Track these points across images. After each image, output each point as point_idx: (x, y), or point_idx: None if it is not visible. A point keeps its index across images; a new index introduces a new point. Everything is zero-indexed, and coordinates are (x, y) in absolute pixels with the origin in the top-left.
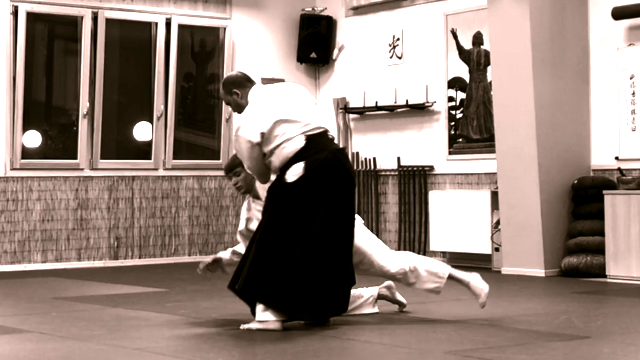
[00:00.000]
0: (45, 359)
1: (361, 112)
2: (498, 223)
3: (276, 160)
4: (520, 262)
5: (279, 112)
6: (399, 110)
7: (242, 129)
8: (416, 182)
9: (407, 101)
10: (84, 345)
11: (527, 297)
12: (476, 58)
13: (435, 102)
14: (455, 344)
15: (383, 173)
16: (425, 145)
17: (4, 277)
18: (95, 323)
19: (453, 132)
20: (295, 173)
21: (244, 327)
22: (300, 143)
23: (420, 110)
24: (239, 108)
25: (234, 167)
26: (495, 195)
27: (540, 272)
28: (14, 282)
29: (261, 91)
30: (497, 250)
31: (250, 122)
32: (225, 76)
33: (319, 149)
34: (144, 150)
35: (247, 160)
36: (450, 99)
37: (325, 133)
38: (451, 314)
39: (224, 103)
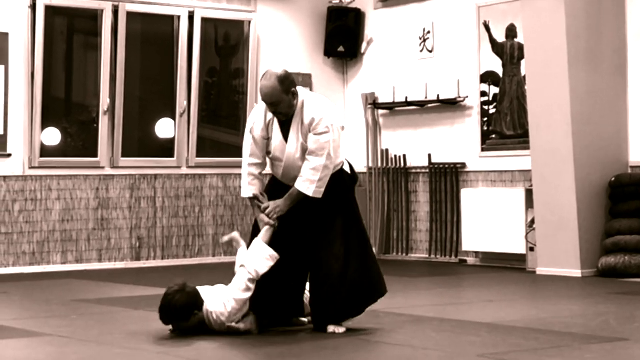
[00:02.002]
0: None
1: (390, 107)
2: (532, 222)
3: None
4: (555, 262)
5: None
6: (430, 105)
7: (338, 121)
8: (448, 179)
9: (438, 96)
10: (105, 348)
11: (562, 298)
12: (509, 51)
13: (467, 97)
14: (488, 346)
15: (413, 170)
16: (457, 141)
17: (22, 278)
18: (116, 326)
19: (486, 128)
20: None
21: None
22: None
23: (451, 106)
24: (290, 109)
25: None
26: (529, 193)
27: (577, 272)
28: (33, 283)
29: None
30: (531, 249)
31: (338, 116)
32: (273, 72)
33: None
34: (166, 148)
35: (338, 152)
36: (483, 94)
37: None
38: (483, 315)
39: (248, 98)
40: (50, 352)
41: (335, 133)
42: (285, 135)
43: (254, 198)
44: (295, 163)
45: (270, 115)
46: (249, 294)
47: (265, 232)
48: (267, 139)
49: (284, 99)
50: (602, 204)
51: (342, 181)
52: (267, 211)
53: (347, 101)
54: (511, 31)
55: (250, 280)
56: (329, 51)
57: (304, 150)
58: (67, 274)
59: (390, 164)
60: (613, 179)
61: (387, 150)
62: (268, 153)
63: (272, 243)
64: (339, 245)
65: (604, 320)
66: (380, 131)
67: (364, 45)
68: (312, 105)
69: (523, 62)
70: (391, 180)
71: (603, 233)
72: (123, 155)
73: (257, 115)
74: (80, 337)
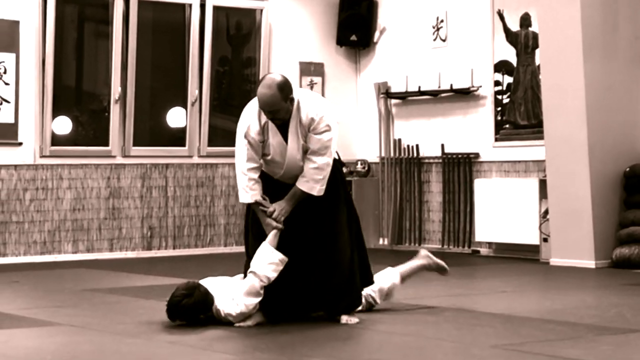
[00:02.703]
0: (76, 352)
1: (403, 96)
2: (546, 212)
3: None
4: (569, 252)
5: None
6: (443, 95)
7: (334, 117)
8: (461, 169)
9: (451, 85)
10: (116, 338)
11: (576, 289)
12: (523, 40)
13: (480, 87)
14: (501, 337)
15: (426, 160)
16: (470, 131)
17: (33, 267)
18: (127, 315)
19: (499, 118)
20: None
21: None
22: None
23: (465, 95)
24: (287, 114)
25: None
26: (543, 183)
27: (590, 263)
28: (44, 273)
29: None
30: (545, 240)
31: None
32: (272, 80)
33: None
34: (177, 137)
35: (333, 150)
36: (497, 83)
37: None
38: (497, 306)
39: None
40: (61, 342)
41: (334, 130)
42: (285, 136)
43: (257, 203)
44: (296, 164)
45: (264, 117)
46: (259, 299)
47: (273, 236)
48: (263, 142)
49: (283, 106)
50: (617, 195)
51: (338, 172)
52: (274, 215)
53: (360, 90)
54: (525, 20)
55: (262, 287)
56: (341, 40)
57: (305, 150)
58: (78, 263)
59: (402, 154)
60: (628, 169)
61: (399, 140)
62: (264, 155)
63: (278, 244)
64: (346, 236)
65: (618, 311)
66: (392, 121)
67: (377, 34)
68: (308, 105)
69: (537, 51)
70: (404, 170)
71: (617, 224)
72: (134, 145)
73: (251, 119)
74: (92, 327)
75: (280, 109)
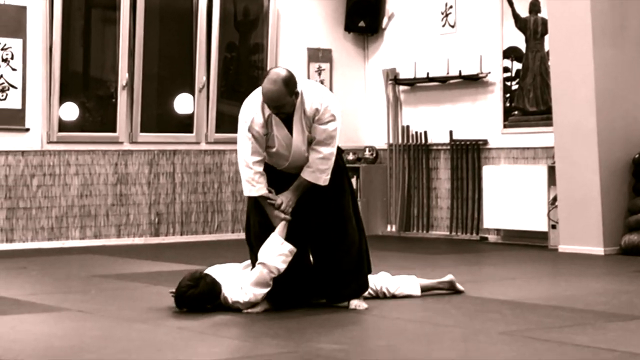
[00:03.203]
0: (84, 337)
1: (411, 83)
2: (555, 199)
3: None
4: (577, 239)
5: None
6: (451, 81)
7: (338, 106)
8: (469, 156)
9: (460, 72)
10: (125, 324)
11: (584, 276)
12: (533, 26)
13: (489, 73)
14: (509, 324)
15: (434, 147)
16: (479, 118)
17: (41, 253)
18: (135, 301)
19: (508, 104)
20: None
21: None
22: None
23: (473, 81)
24: (292, 108)
25: None
26: (552, 170)
27: (599, 250)
28: (51, 259)
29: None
30: (553, 227)
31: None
32: (278, 75)
33: None
34: (185, 123)
35: (338, 140)
36: (505, 70)
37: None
38: (505, 293)
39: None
40: (69, 327)
41: (339, 120)
42: (289, 129)
43: (264, 196)
44: (302, 155)
45: (268, 110)
46: (268, 289)
47: (282, 227)
48: (266, 135)
49: (288, 100)
50: (626, 182)
51: (340, 159)
52: (282, 207)
53: (368, 77)
54: (534, 6)
55: (271, 277)
56: (350, 26)
57: (309, 141)
58: (86, 249)
59: (411, 141)
60: (637, 155)
61: (407, 127)
62: (269, 147)
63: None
64: (353, 222)
65: (627, 298)
66: (401, 107)
67: (385, 20)
68: (312, 95)
69: (546, 37)
70: (412, 157)
71: (626, 210)
72: (142, 131)
73: (254, 112)
74: (100, 312)
75: (285, 104)
